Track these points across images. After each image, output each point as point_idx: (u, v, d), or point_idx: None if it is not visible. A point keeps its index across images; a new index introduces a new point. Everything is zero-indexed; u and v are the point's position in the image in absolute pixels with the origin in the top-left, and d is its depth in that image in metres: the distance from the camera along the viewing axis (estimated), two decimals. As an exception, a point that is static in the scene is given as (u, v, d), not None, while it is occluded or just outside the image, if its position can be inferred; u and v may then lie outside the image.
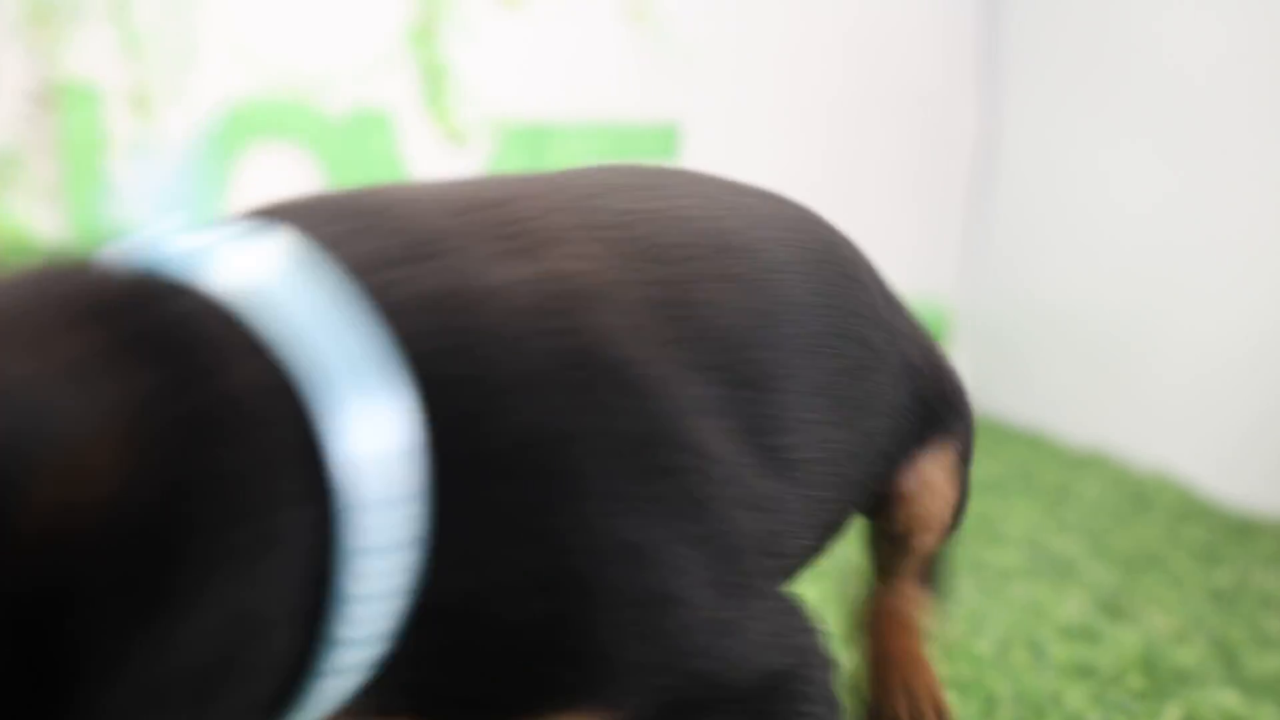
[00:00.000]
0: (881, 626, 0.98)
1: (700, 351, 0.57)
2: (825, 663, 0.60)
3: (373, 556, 0.37)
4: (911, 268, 3.60)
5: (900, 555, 0.94)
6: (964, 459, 0.94)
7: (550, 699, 0.46)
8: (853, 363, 0.76)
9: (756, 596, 0.52)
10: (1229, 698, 1.28)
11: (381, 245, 0.46)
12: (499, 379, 0.43)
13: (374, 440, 0.38)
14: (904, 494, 0.88)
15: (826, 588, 1.18)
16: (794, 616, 0.57)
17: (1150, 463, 2.60)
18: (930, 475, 0.89)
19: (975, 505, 2.02)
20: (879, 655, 0.97)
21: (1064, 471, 2.55)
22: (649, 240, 0.60)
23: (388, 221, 0.49)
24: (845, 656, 0.84)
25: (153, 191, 3.44)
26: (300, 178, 3.50)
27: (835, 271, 0.87)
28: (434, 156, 3.52)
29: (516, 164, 3.50)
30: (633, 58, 3.65)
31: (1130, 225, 2.81)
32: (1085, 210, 3.04)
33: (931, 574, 0.99)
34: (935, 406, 0.90)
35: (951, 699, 1.18)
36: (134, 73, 3.51)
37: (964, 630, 1.45)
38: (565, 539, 0.42)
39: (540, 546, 0.43)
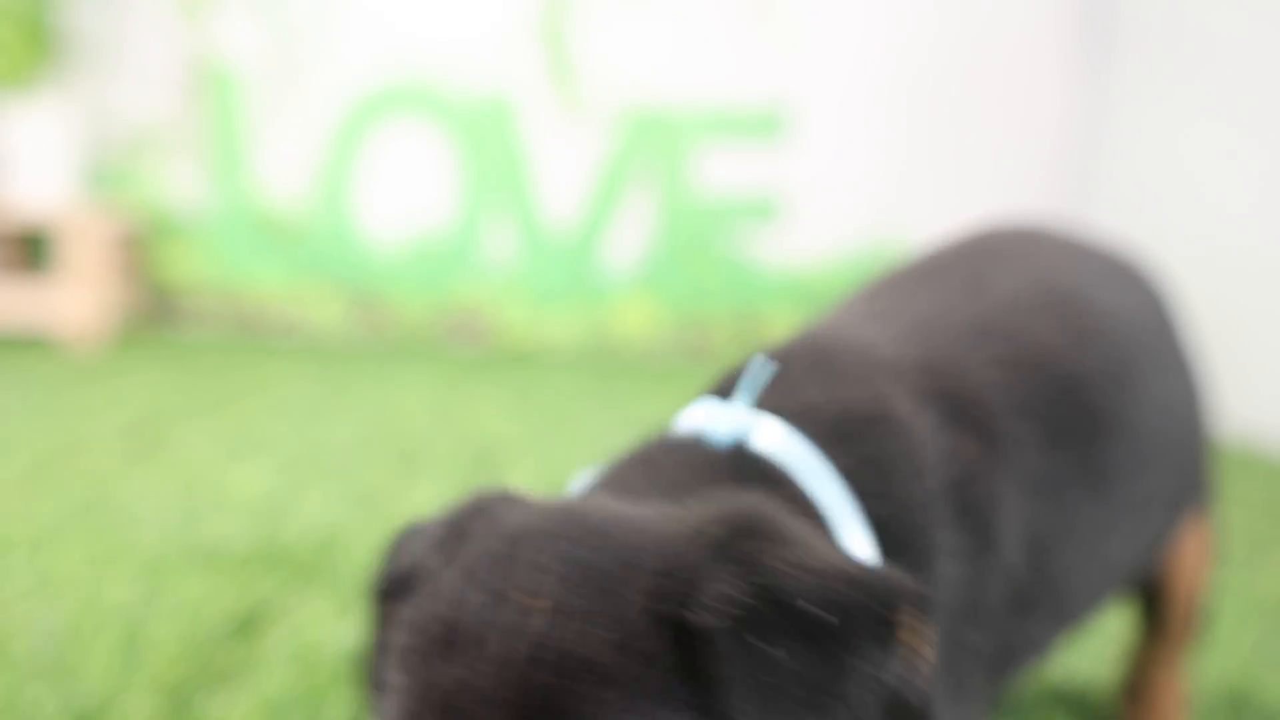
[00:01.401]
0: (1139, 706, 1.03)
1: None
2: None
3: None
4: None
5: (1155, 633, 0.99)
6: (1210, 538, 0.98)
7: None
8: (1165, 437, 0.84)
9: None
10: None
11: (831, 406, 0.67)
12: (903, 498, 0.65)
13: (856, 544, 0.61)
14: (1170, 563, 0.93)
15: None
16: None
17: (1253, 434, 2.76)
18: (1190, 549, 0.93)
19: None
20: None
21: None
22: (1034, 365, 0.74)
23: (833, 382, 0.69)
24: None
25: (291, 166, 3.66)
26: (431, 156, 3.73)
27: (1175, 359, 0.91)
28: (556, 137, 3.72)
29: (634, 144, 3.68)
30: (744, 43, 3.81)
31: (1238, 200, 2.91)
32: (1173, 200, 3.17)
33: (1184, 655, 1.02)
34: (1203, 472, 0.93)
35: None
36: (276, 56, 3.69)
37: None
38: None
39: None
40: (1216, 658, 1.31)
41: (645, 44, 3.73)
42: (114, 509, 1.62)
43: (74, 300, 3.14)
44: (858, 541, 0.61)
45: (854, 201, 3.79)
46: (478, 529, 0.54)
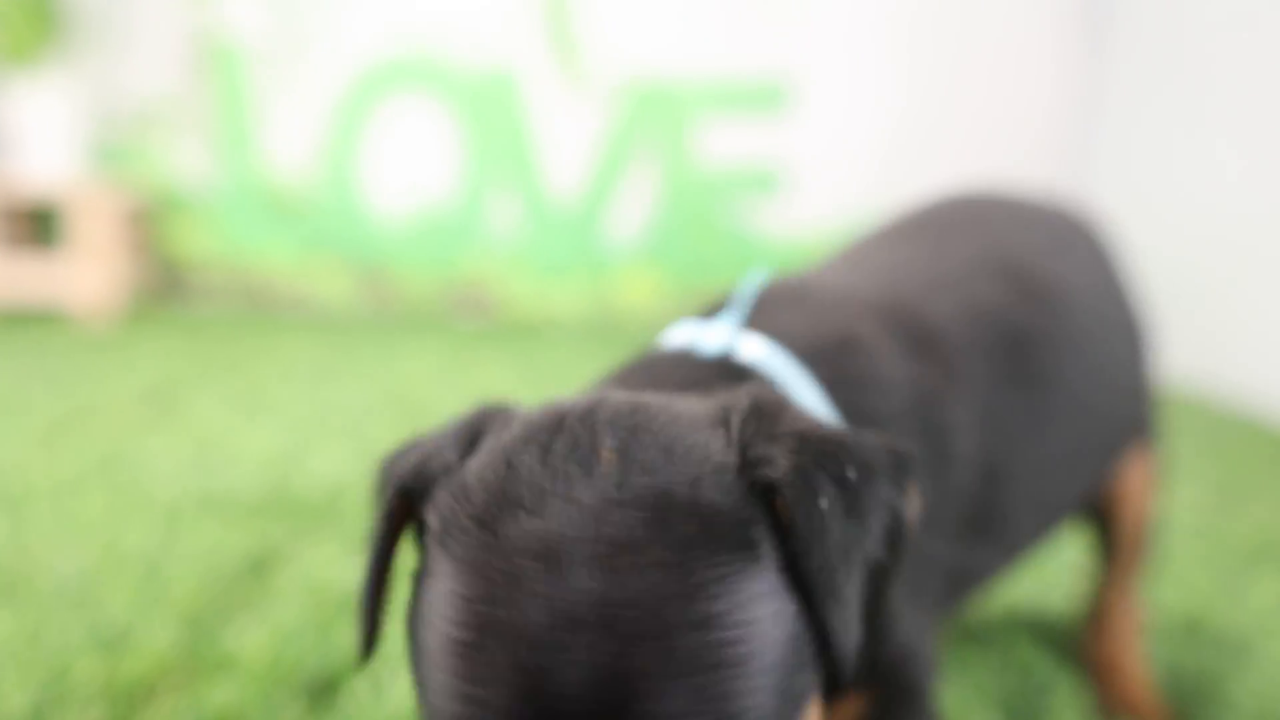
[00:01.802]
0: (1098, 635, 1.10)
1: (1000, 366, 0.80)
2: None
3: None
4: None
5: (1108, 556, 1.06)
6: (1156, 470, 1.06)
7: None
8: (1110, 370, 0.92)
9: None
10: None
11: (808, 330, 0.73)
12: (873, 411, 0.71)
13: None
14: (1112, 496, 1.01)
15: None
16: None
17: (1245, 398, 2.81)
18: (1134, 480, 1.02)
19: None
20: (1100, 665, 1.09)
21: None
22: (979, 299, 0.83)
23: (810, 311, 0.76)
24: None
25: (297, 141, 3.70)
26: (435, 131, 3.76)
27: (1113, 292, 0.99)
28: (560, 110, 3.75)
29: (637, 117, 3.72)
30: (745, 16, 3.83)
31: (1233, 171, 2.94)
32: (1170, 167, 3.20)
33: (1134, 580, 1.09)
34: (1146, 412, 1.01)
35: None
36: (281, 31, 3.72)
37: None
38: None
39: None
40: (1178, 590, 1.37)
41: (648, 17, 3.75)
42: (131, 464, 1.68)
43: (84, 275, 3.20)
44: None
45: (854, 173, 3.82)
46: (495, 425, 0.55)
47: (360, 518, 1.46)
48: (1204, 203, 3.06)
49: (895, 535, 0.54)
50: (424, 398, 2.33)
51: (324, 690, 1.00)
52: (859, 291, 0.80)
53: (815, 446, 0.52)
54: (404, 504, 0.54)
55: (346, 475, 1.68)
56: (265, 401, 2.20)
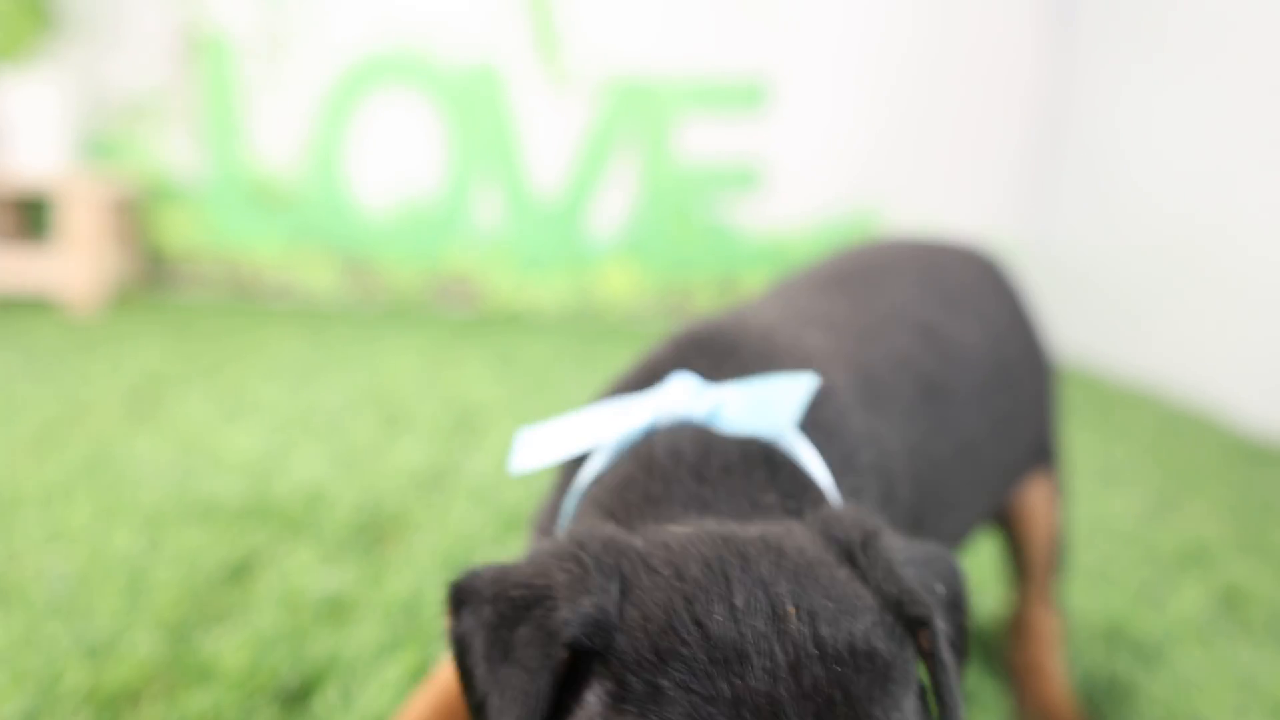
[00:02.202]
0: (1019, 640, 1.18)
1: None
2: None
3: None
4: (983, 215, 3.87)
5: (1028, 566, 1.15)
6: (1058, 489, 1.17)
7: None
8: (1009, 405, 1.02)
9: None
10: (1251, 569, 1.62)
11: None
12: (856, 464, 0.78)
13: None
14: (1020, 514, 1.12)
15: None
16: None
17: (1191, 394, 2.90)
18: (1036, 499, 1.13)
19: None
20: (1020, 668, 1.18)
21: (1114, 404, 2.86)
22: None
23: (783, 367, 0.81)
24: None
25: (283, 134, 3.74)
26: (420, 125, 3.80)
27: (1017, 331, 1.10)
28: (541, 107, 3.83)
29: (619, 114, 3.77)
30: (726, 14, 3.86)
31: (1184, 181, 3.02)
32: (1139, 168, 3.26)
33: (1054, 590, 1.18)
34: (1048, 437, 1.14)
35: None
36: (268, 24, 3.76)
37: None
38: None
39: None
40: (1104, 597, 1.46)
41: (630, 15, 3.79)
42: (117, 468, 1.75)
43: (72, 265, 3.25)
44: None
45: (833, 170, 3.88)
46: (626, 566, 0.56)
47: (335, 524, 1.53)
48: (1160, 204, 3.14)
49: (963, 628, 0.62)
50: (404, 396, 2.40)
51: (297, 697, 1.08)
52: (812, 344, 0.87)
53: (926, 573, 0.60)
54: (570, 657, 0.53)
55: (325, 479, 1.75)
56: (249, 400, 2.27)
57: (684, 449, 0.71)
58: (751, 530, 0.59)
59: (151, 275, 3.81)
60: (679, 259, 3.92)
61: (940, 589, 0.59)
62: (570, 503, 0.75)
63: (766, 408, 0.73)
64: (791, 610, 0.52)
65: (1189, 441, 2.45)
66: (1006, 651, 1.22)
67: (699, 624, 0.51)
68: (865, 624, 0.53)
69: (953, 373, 0.94)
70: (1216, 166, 2.90)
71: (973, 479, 0.97)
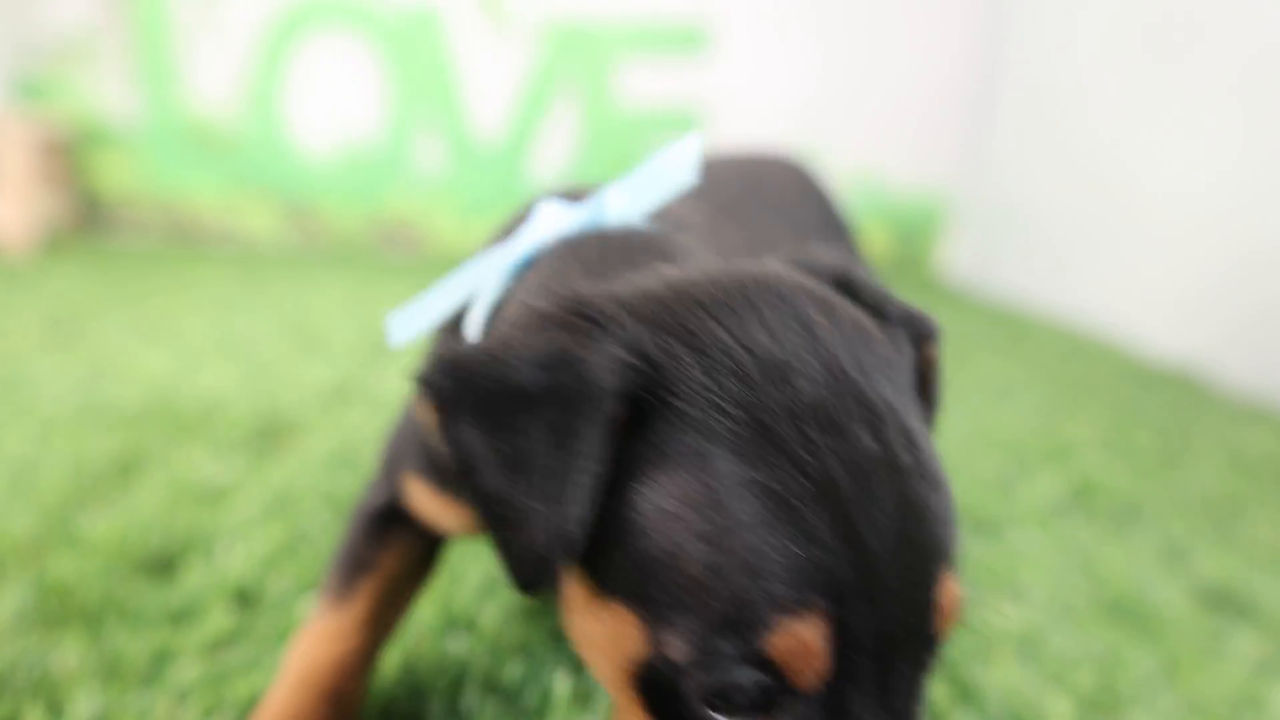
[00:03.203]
0: None
1: None
2: None
3: None
4: (921, 161, 3.93)
5: None
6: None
7: None
8: None
9: None
10: (1107, 466, 1.71)
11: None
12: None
13: None
14: None
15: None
16: None
17: (1101, 327, 3.00)
18: None
19: (947, 353, 2.45)
20: None
21: (1029, 333, 2.95)
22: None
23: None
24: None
25: (220, 77, 3.73)
26: (360, 69, 3.80)
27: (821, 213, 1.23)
28: (482, 51, 3.83)
29: (559, 58, 3.78)
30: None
31: (1104, 132, 3.10)
32: (1078, 118, 3.32)
33: None
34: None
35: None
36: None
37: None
38: None
39: None
40: (966, 488, 1.54)
41: (563, -44, 3.80)
42: (23, 383, 1.79)
43: (3, 207, 3.26)
44: None
45: (772, 114, 3.93)
46: (637, 306, 0.54)
47: (230, 427, 1.59)
48: (1081, 151, 3.22)
49: None
50: (322, 325, 2.44)
51: (163, 566, 1.14)
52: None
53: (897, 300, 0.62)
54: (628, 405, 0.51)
55: (227, 390, 1.80)
56: (168, 330, 2.31)
57: (582, 250, 0.70)
58: (737, 269, 0.58)
59: (88, 219, 3.82)
60: (616, 202, 3.97)
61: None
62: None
63: (657, 179, 0.74)
64: (824, 322, 0.53)
65: (1091, 365, 2.54)
66: None
67: (744, 346, 0.51)
68: (885, 337, 0.56)
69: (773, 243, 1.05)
70: (1131, 117, 2.98)
71: None
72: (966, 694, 0.98)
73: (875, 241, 4.07)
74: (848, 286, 0.61)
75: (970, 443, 1.79)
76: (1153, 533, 1.43)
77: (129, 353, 2.07)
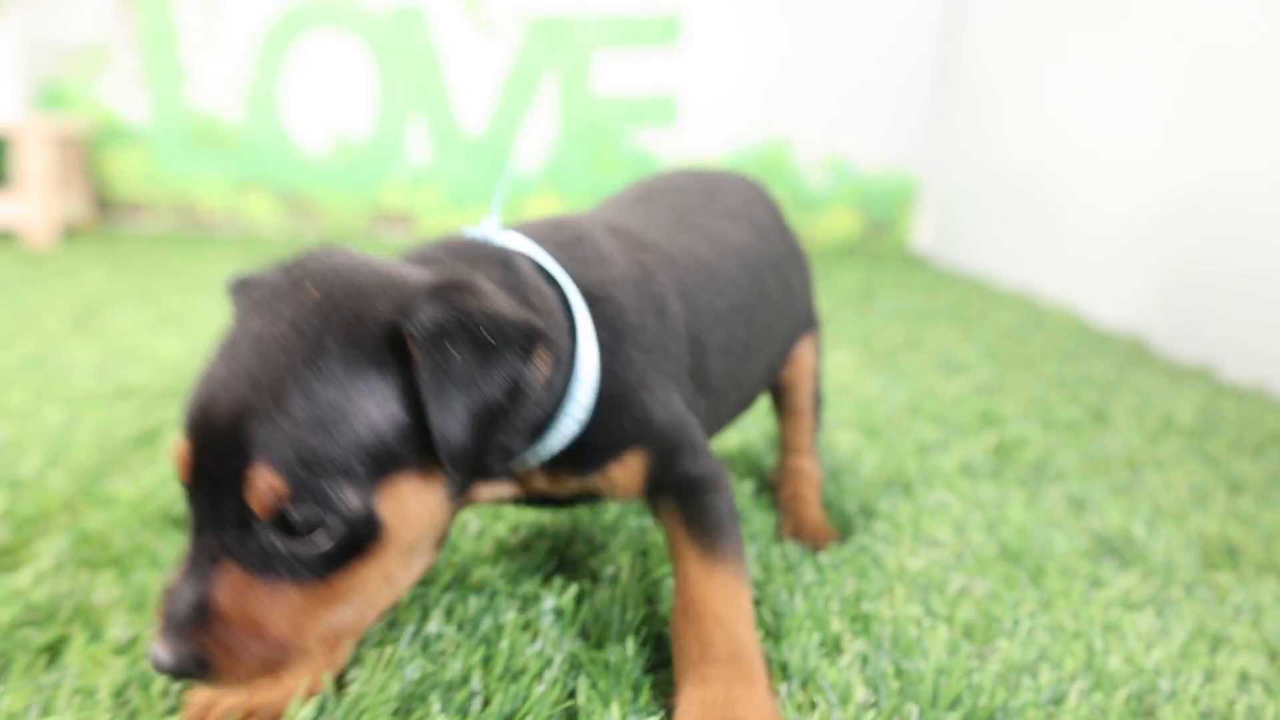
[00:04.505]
0: (786, 479, 1.46)
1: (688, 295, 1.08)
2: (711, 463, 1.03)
3: (588, 365, 0.93)
4: (886, 142, 4.08)
5: (792, 420, 1.43)
6: (817, 347, 1.44)
7: (627, 446, 0.97)
8: (780, 289, 1.27)
9: (694, 421, 1.03)
10: (1030, 430, 1.88)
11: (552, 230, 1.02)
12: (595, 268, 0.98)
13: (586, 318, 0.93)
14: (790, 363, 1.38)
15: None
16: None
17: (1057, 297, 3.16)
18: (802, 351, 1.39)
19: (905, 329, 2.61)
20: (786, 499, 1.43)
21: (988, 305, 3.12)
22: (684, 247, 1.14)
23: (552, 222, 1.04)
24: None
25: (223, 78, 3.91)
26: (349, 65, 3.98)
27: (772, 236, 1.34)
28: (467, 46, 4.04)
29: (540, 52, 3.95)
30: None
31: (1061, 109, 3.26)
32: (1032, 96, 3.48)
33: (815, 441, 1.47)
34: (810, 315, 1.41)
35: (858, 436, 1.78)
36: (204, -29, 3.98)
37: (877, 396, 2.05)
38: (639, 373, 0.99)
39: (634, 375, 0.98)
40: (893, 455, 1.72)
41: (549, -45, 3.96)
42: (53, 365, 1.98)
43: (29, 204, 3.45)
44: (574, 297, 0.94)
45: (745, 103, 4.08)
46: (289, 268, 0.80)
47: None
48: (1035, 136, 3.37)
49: (516, 386, 0.76)
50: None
51: (181, 519, 1.32)
52: (590, 218, 1.11)
53: (463, 312, 0.74)
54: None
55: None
56: (180, 315, 2.50)
57: (454, 242, 0.93)
58: (370, 257, 0.83)
59: (103, 213, 4.01)
60: (599, 188, 4.13)
61: (486, 336, 0.74)
62: None
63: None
64: (312, 288, 0.75)
65: (1042, 334, 2.71)
66: (775, 490, 1.47)
67: (270, 288, 0.79)
68: (361, 309, 0.74)
69: (724, 256, 1.19)
70: (1077, 91, 3.12)
71: (750, 332, 1.20)
72: (861, 625, 1.15)
73: (845, 222, 4.22)
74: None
75: (906, 412, 1.96)
76: (1060, 487, 1.60)
77: (145, 338, 2.25)
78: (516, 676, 0.99)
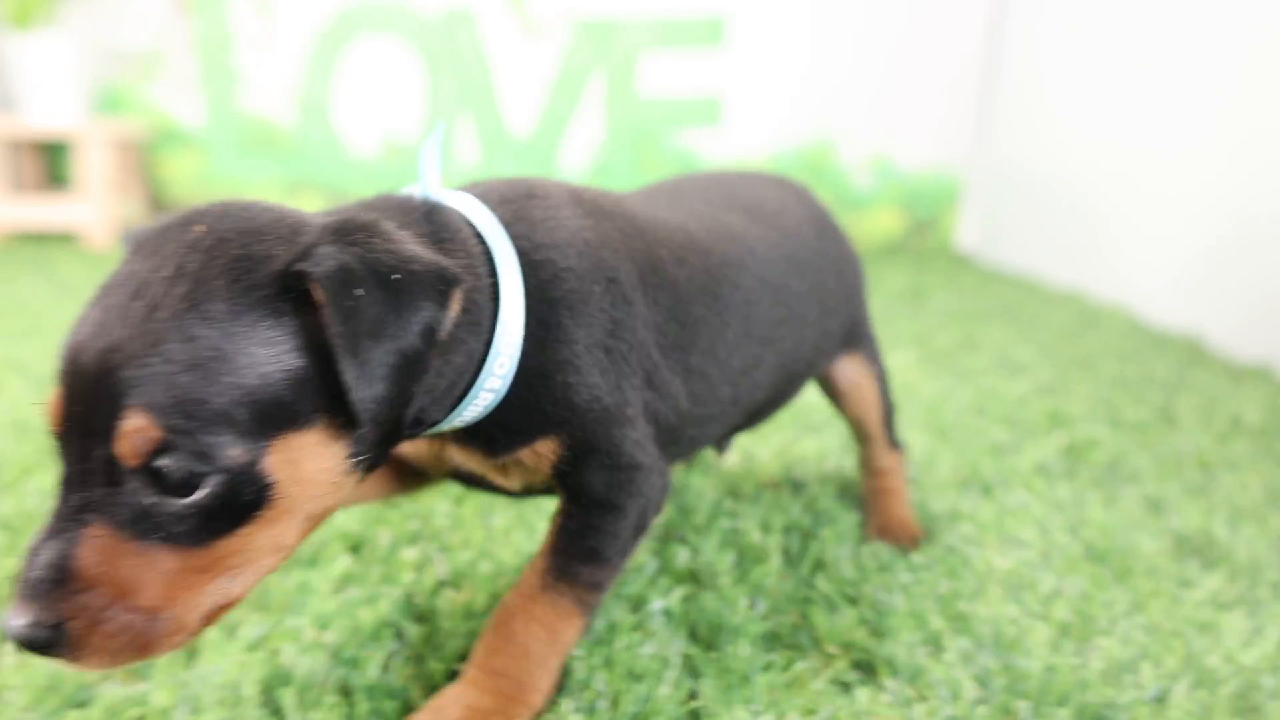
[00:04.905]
0: (867, 476, 1.42)
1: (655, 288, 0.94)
2: (658, 489, 0.93)
3: (510, 331, 0.82)
4: (930, 142, 4.09)
5: (867, 448, 1.39)
6: (872, 366, 1.35)
7: (541, 430, 0.86)
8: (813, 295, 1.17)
9: (635, 422, 0.90)
10: (1099, 431, 1.89)
11: (504, 187, 0.91)
12: (555, 260, 0.86)
13: (514, 282, 0.82)
14: (841, 390, 1.34)
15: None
16: (648, 445, 0.92)
17: (1109, 296, 3.16)
18: (850, 375, 1.32)
19: (959, 329, 2.63)
20: (869, 493, 1.42)
21: (1040, 305, 3.13)
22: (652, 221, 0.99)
23: (507, 180, 0.93)
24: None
25: (275, 82, 3.96)
26: (399, 68, 4.03)
27: (816, 247, 1.22)
28: (514, 48, 4.06)
29: (586, 55, 3.99)
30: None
31: (1110, 108, 3.26)
32: (1081, 95, 3.48)
33: (893, 442, 1.41)
34: (856, 329, 1.31)
35: (921, 434, 1.81)
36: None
37: (941, 397, 2.07)
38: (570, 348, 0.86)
39: (563, 351, 0.85)
40: (966, 455, 1.73)
41: (595, -42, 3.99)
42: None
43: (89, 207, 3.52)
44: (504, 256, 0.83)
45: (790, 104, 4.09)
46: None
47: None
48: (1084, 133, 3.36)
49: (430, 331, 0.69)
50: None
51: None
52: (557, 182, 0.97)
53: (369, 253, 0.67)
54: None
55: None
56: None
57: (385, 198, 0.83)
58: (281, 207, 0.74)
59: (158, 214, 4.07)
60: (650, 191, 4.15)
61: (394, 277, 0.67)
62: None
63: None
64: (200, 229, 0.68)
65: (1098, 334, 2.72)
66: (861, 484, 1.50)
67: (163, 228, 0.73)
68: (252, 251, 0.67)
69: (720, 242, 1.08)
70: (1131, 98, 3.12)
71: (748, 325, 1.09)
72: (961, 624, 1.18)
73: (889, 221, 4.23)
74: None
75: (973, 413, 1.98)
76: (1136, 488, 1.62)
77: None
78: (639, 677, 1.02)
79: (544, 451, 0.88)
